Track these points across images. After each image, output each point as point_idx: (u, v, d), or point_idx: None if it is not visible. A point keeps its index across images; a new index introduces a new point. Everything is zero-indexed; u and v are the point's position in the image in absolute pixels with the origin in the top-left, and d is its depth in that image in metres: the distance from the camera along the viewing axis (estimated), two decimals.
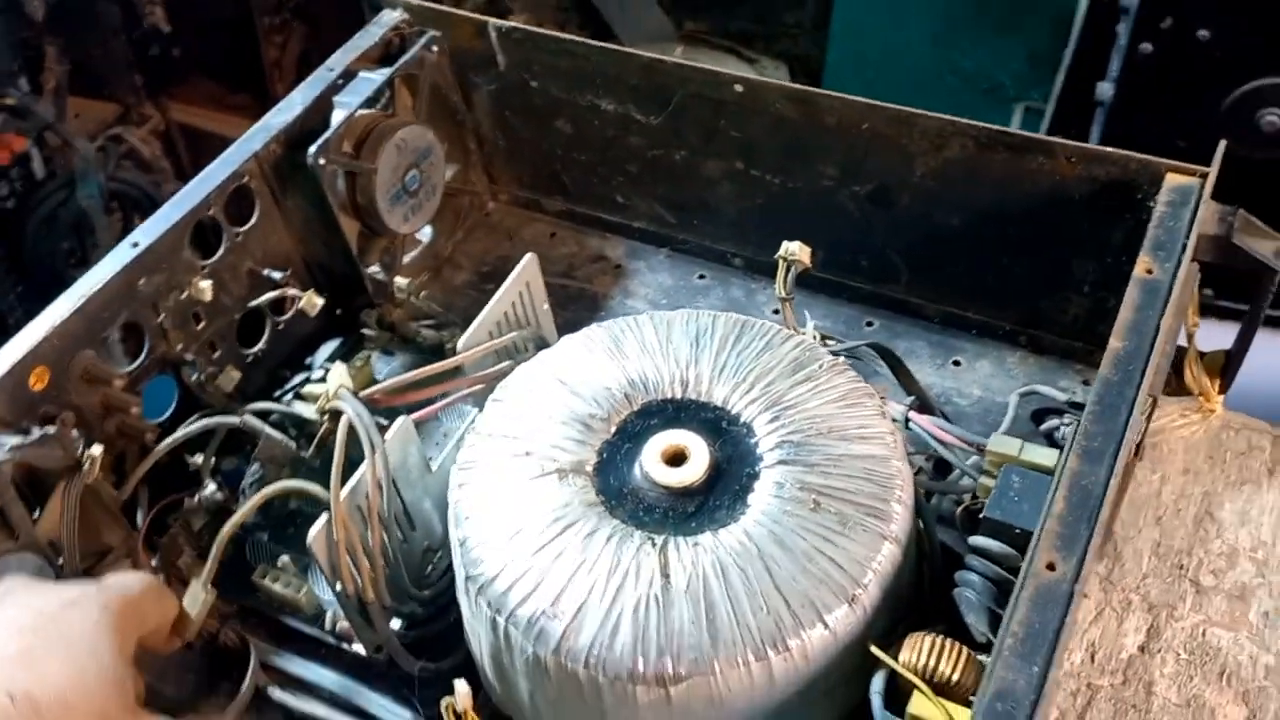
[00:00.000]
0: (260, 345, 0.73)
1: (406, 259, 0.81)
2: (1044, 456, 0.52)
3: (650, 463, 0.52)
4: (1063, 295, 0.68)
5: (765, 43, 1.88)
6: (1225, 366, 0.65)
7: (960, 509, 0.56)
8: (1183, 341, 0.63)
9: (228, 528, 0.55)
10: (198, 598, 0.55)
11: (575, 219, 0.85)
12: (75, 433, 0.58)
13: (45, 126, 1.38)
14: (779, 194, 0.74)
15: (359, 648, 0.59)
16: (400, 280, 0.72)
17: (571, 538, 0.50)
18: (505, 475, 0.53)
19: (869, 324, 0.76)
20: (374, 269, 0.76)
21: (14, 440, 0.54)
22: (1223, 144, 0.60)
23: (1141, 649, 0.59)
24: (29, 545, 0.56)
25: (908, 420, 0.59)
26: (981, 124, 0.63)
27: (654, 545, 0.49)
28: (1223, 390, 0.65)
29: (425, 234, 0.84)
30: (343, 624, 0.60)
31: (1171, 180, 0.59)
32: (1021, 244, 0.67)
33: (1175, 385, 0.66)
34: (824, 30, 1.80)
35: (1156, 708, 0.57)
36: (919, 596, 0.53)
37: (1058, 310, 0.69)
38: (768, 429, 0.53)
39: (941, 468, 0.64)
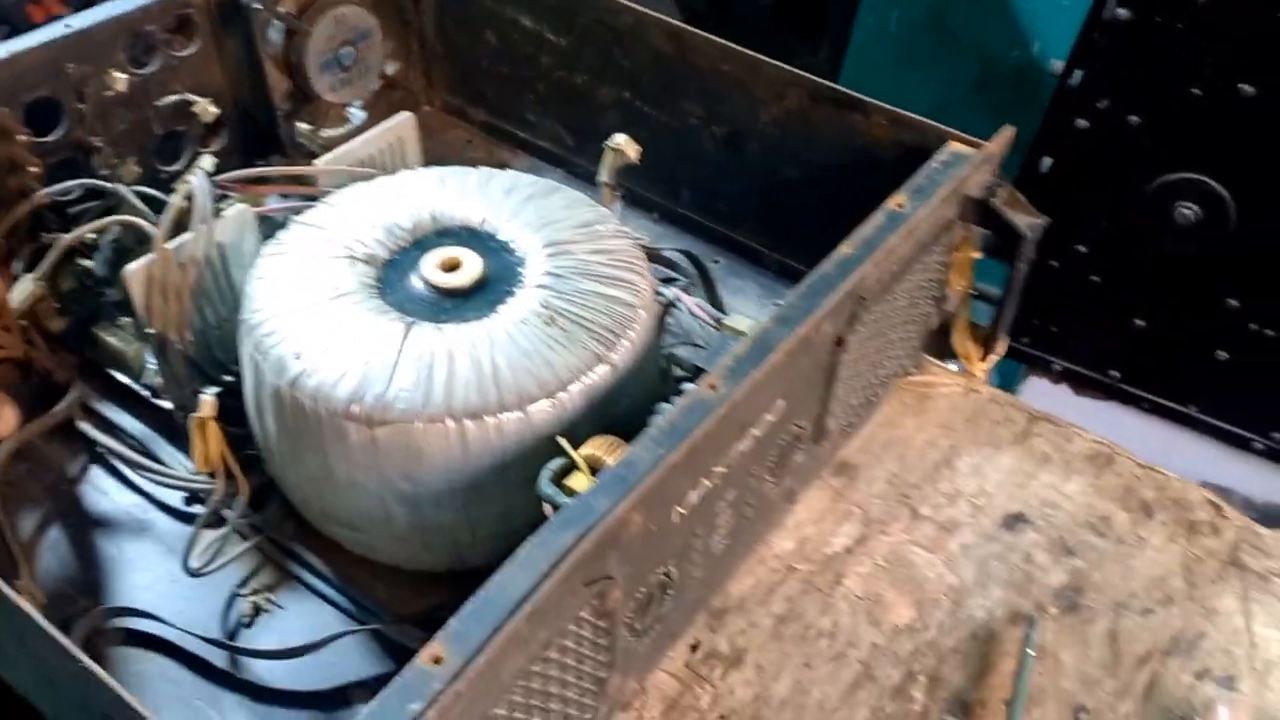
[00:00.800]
0: (176, 166, 0.82)
1: (333, 132, 0.89)
2: None
3: (428, 266, 0.60)
4: None
5: None
6: (989, 336, 0.71)
7: None
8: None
9: (68, 237, 0.64)
10: (25, 289, 0.63)
11: (492, 131, 0.94)
12: None
13: (87, 3, 1.50)
14: (656, 129, 0.82)
15: (166, 403, 0.67)
16: (302, 125, 0.81)
17: (339, 305, 0.57)
18: (306, 253, 0.61)
19: (715, 261, 0.83)
20: (298, 124, 0.85)
21: None
22: (1009, 127, 0.67)
23: (846, 550, 0.65)
24: None
25: (676, 299, 0.67)
26: (814, 78, 0.71)
27: (403, 322, 0.57)
28: (983, 357, 0.72)
29: (358, 117, 0.92)
30: (158, 380, 0.68)
31: (953, 146, 0.66)
32: (843, 200, 0.74)
33: (947, 351, 0.73)
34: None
35: (839, 595, 0.62)
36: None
37: None
38: (539, 263, 0.61)
39: None
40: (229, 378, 0.67)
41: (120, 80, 0.74)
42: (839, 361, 0.59)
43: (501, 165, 0.92)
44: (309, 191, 0.69)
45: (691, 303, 0.66)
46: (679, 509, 0.51)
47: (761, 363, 0.52)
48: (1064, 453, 0.71)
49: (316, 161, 0.71)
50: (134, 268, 0.61)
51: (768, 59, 0.73)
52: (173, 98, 0.77)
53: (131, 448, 0.67)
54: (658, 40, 0.78)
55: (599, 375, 0.56)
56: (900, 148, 0.70)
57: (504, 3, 0.86)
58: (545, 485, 0.52)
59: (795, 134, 0.75)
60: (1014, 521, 0.67)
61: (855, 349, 0.60)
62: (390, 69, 0.93)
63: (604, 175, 0.70)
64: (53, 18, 1.47)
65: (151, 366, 0.68)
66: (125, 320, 0.70)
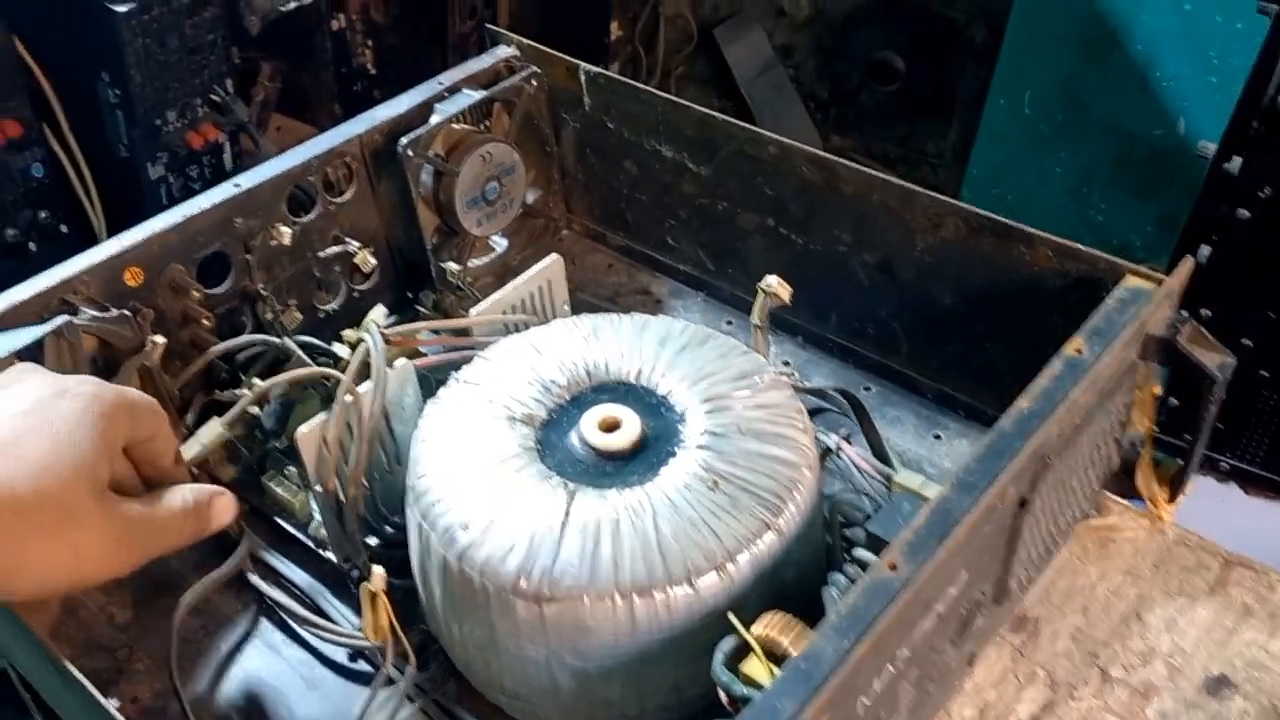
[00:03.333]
0: (333, 305, 0.84)
1: (478, 261, 0.91)
2: (937, 492, 0.57)
3: (587, 426, 0.59)
4: None
5: (905, 168, 1.95)
6: (1177, 477, 0.67)
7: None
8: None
9: (254, 392, 0.66)
10: (213, 430, 0.65)
11: (632, 255, 0.94)
12: (149, 325, 0.70)
13: (240, 126, 1.58)
14: (801, 253, 0.81)
15: (332, 555, 0.68)
16: (452, 265, 0.82)
17: (500, 471, 0.57)
18: (466, 413, 0.61)
19: (867, 388, 0.81)
20: (445, 263, 0.87)
21: (95, 312, 0.66)
22: (1189, 258, 0.64)
23: (1033, 719, 0.61)
24: None
25: (838, 449, 0.64)
26: (972, 207, 0.69)
27: (566, 489, 0.56)
28: (1171, 499, 0.67)
29: (500, 244, 0.94)
30: (323, 532, 0.68)
31: (1129, 281, 0.63)
32: (1003, 330, 0.72)
33: (1129, 488, 0.69)
34: (964, 165, 1.87)
35: None
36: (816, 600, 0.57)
37: None
38: (698, 420, 0.59)
39: None
40: (390, 529, 0.68)
41: (285, 234, 0.76)
42: (1022, 524, 0.56)
43: (643, 288, 0.92)
44: (465, 343, 0.70)
45: (854, 453, 0.64)
46: (863, 699, 0.48)
47: (946, 538, 0.49)
48: (1267, 604, 0.65)
49: (471, 311, 0.72)
50: (306, 430, 0.62)
51: (921, 189, 0.71)
52: (334, 249, 0.80)
53: (299, 601, 0.68)
54: (804, 170, 0.77)
55: (766, 544, 0.54)
56: (1067, 278, 0.67)
57: (644, 134, 0.86)
58: (720, 671, 0.50)
59: (952, 262, 0.72)
60: (1218, 686, 0.61)
61: (1038, 507, 0.57)
62: (530, 197, 0.94)
63: (755, 318, 0.69)
64: (210, 143, 1.56)
65: (318, 519, 0.69)
66: (291, 469, 0.72)
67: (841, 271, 0.79)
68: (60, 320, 0.65)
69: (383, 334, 0.67)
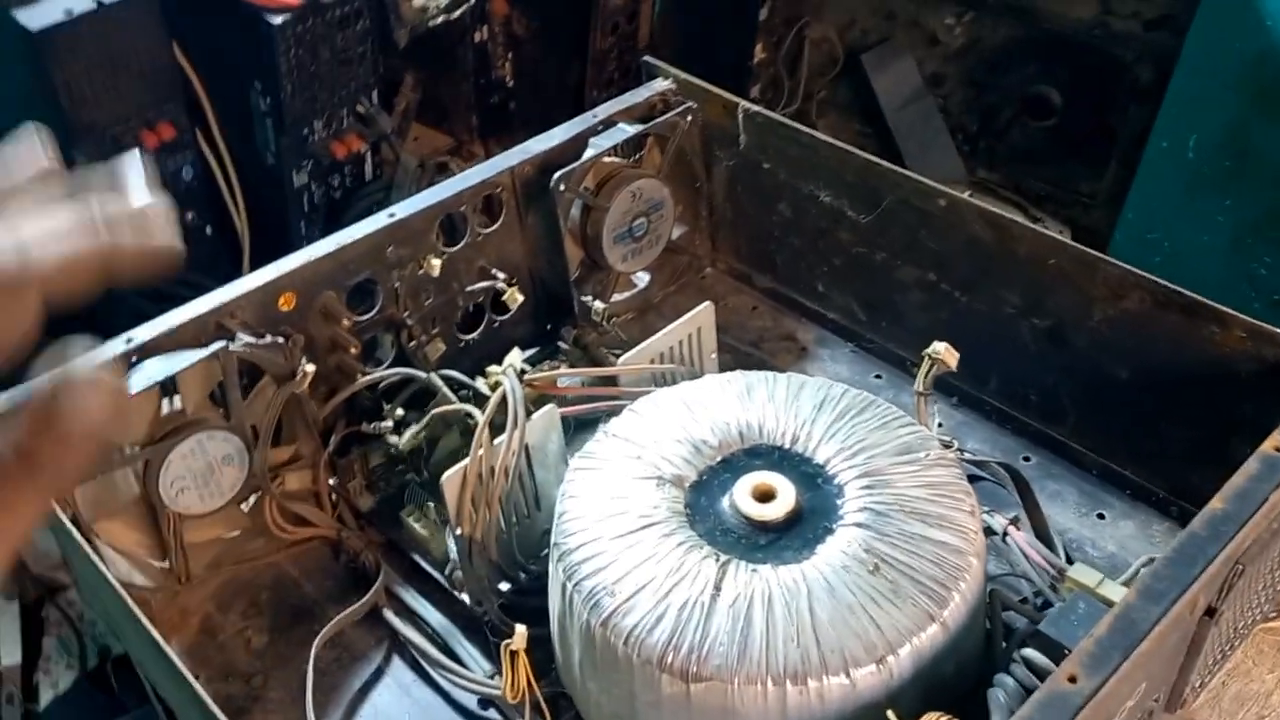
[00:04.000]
0: (474, 335, 0.84)
1: (619, 296, 0.90)
2: (1117, 593, 0.53)
3: (740, 493, 0.57)
4: (1217, 473, 0.66)
5: (1055, 205, 1.87)
6: None
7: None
8: None
9: (435, 412, 0.68)
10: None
11: (778, 298, 0.91)
12: (300, 352, 0.71)
13: (383, 137, 1.61)
14: (963, 312, 0.77)
15: (465, 598, 0.67)
16: (598, 304, 0.81)
17: (649, 534, 0.55)
18: (615, 470, 0.59)
19: (1026, 459, 0.76)
20: (587, 296, 0.86)
21: (249, 338, 0.67)
22: None
23: None
24: (236, 428, 0.68)
25: (1005, 534, 0.61)
26: (1162, 281, 0.64)
27: (717, 560, 0.54)
28: None
29: (642, 279, 0.93)
30: (459, 573, 0.68)
31: None
32: (1184, 411, 0.67)
33: None
34: (1117, 207, 1.77)
35: None
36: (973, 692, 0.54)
37: (1211, 488, 0.67)
38: (856, 494, 0.57)
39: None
40: (525, 575, 0.67)
41: (435, 265, 0.76)
42: (1207, 632, 0.51)
43: (788, 334, 0.89)
44: (611, 392, 0.68)
45: (1023, 541, 0.60)
46: None
47: (1130, 652, 0.45)
48: None
49: (619, 360, 0.70)
50: (451, 474, 0.62)
51: (1106, 257, 0.67)
52: (482, 284, 0.79)
53: (432, 641, 0.67)
54: (974, 227, 0.73)
55: (929, 636, 0.51)
56: (1261, 363, 0.62)
57: (802, 177, 0.83)
58: None
59: (1133, 335, 0.68)
60: None
61: (1225, 615, 0.52)
62: (676, 233, 0.92)
63: (920, 385, 0.66)
64: (353, 153, 1.59)
65: (454, 559, 0.68)
66: (430, 505, 0.71)
67: (1006, 334, 0.75)
68: (217, 345, 0.65)
69: (520, 378, 0.66)
